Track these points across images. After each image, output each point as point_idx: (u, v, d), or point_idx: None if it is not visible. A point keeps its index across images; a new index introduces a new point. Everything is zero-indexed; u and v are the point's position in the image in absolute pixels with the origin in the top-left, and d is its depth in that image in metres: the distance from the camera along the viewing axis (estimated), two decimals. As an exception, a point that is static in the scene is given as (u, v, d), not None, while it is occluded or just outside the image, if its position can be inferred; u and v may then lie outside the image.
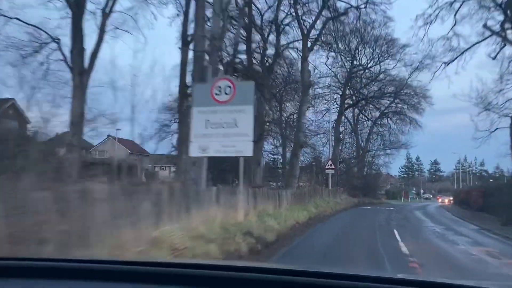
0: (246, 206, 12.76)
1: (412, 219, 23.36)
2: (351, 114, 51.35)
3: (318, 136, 44.79)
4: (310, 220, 17.97)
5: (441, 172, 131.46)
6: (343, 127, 47.32)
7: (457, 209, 34.84)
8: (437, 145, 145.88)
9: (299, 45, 34.44)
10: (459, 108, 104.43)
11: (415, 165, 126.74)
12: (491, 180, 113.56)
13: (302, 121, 33.01)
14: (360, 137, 52.35)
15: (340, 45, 40.95)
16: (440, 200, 77.46)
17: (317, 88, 43.12)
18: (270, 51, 33.67)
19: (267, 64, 33.40)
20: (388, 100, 46.57)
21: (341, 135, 45.70)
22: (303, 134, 34.66)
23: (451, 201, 69.78)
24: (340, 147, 45.96)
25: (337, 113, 45.46)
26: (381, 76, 44.76)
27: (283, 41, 33.58)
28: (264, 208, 14.88)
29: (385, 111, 48.66)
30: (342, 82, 45.47)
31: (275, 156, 42.59)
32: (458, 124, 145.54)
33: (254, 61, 32.87)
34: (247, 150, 11.56)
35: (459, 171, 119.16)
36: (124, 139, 50.47)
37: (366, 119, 49.33)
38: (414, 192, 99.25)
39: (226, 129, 11.53)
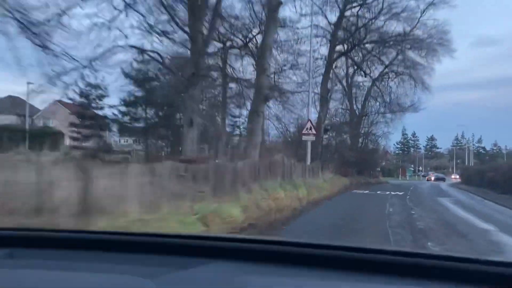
0: None
1: (462, 226, 10.64)
2: (344, 72, 38.41)
3: (299, 93, 31.85)
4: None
5: (437, 148, 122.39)
6: (331, 84, 34.18)
7: (487, 192, 22.52)
8: (433, 122, 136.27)
9: None
10: (458, 84, 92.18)
11: (410, 141, 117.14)
12: (487, 157, 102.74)
13: (267, 58, 20.11)
14: (354, 102, 39.52)
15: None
16: (427, 178, 65.06)
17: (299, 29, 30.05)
18: None
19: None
20: (393, 48, 33.40)
21: (329, 94, 32.67)
22: (268, 79, 21.81)
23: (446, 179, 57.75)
24: (327, 110, 33.05)
25: (324, 65, 32.46)
26: (383, 19, 31.58)
27: None
28: None
29: (389, 65, 35.67)
30: (332, 23, 32.28)
31: (238, 119, 29.93)
32: (455, 101, 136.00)
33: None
34: None
35: (458, 147, 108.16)
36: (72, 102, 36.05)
37: (364, 75, 36.16)
38: (411, 169, 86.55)
39: None
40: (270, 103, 35.23)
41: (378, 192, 22.09)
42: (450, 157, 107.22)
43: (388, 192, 21.82)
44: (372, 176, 38.76)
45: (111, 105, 22.51)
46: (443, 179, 59.63)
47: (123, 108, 25.75)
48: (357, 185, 26.02)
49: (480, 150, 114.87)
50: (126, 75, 25.34)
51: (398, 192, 22.00)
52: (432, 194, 22.94)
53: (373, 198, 17.98)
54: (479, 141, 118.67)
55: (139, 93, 26.60)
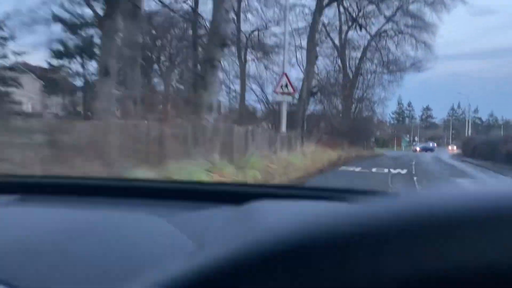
0: None
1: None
2: (337, 29, 32.42)
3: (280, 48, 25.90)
4: None
5: (433, 118, 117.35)
6: (319, 38, 28.12)
7: (508, 168, 17.22)
8: (428, 92, 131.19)
9: None
10: (454, 54, 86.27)
11: (406, 111, 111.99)
12: (480, 128, 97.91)
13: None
14: (348, 64, 33.74)
15: None
16: (413, 149, 58.49)
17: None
18: None
19: None
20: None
21: (317, 49, 26.65)
22: (228, 16, 15.78)
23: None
24: (315, 69, 27.17)
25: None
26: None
27: None
28: None
29: (390, 18, 29.78)
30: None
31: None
32: (451, 71, 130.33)
33: None
34: None
35: (454, 117, 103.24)
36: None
37: (360, 28, 30.03)
38: (407, 139, 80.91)
39: None
40: (252, 65, 29.46)
41: (374, 169, 16.54)
42: (445, 127, 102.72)
43: (386, 170, 16.28)
44: (366, 148, 33.35)
45: (17, 51, 16.51)
46: (431, 150, 50.65)
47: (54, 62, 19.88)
48: (347, 159, 20.52)
49: (476, 121, 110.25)
50: (55, 17, 19.40)
51: (399, 170, 16.45)
52: (443, 172, 17.42)
53: (366, 182, 12.43)
54: (476, 111, 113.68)
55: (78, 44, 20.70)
